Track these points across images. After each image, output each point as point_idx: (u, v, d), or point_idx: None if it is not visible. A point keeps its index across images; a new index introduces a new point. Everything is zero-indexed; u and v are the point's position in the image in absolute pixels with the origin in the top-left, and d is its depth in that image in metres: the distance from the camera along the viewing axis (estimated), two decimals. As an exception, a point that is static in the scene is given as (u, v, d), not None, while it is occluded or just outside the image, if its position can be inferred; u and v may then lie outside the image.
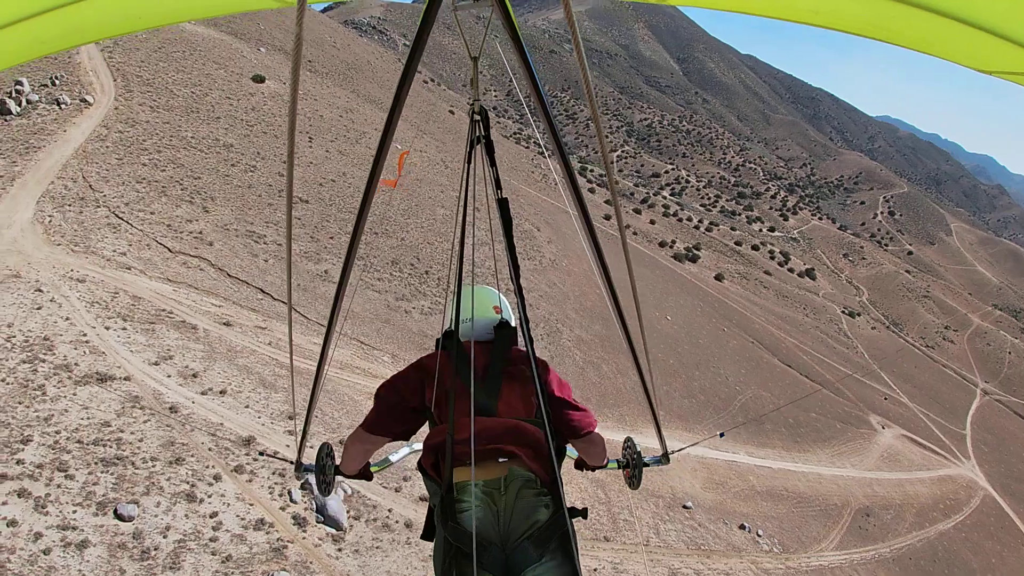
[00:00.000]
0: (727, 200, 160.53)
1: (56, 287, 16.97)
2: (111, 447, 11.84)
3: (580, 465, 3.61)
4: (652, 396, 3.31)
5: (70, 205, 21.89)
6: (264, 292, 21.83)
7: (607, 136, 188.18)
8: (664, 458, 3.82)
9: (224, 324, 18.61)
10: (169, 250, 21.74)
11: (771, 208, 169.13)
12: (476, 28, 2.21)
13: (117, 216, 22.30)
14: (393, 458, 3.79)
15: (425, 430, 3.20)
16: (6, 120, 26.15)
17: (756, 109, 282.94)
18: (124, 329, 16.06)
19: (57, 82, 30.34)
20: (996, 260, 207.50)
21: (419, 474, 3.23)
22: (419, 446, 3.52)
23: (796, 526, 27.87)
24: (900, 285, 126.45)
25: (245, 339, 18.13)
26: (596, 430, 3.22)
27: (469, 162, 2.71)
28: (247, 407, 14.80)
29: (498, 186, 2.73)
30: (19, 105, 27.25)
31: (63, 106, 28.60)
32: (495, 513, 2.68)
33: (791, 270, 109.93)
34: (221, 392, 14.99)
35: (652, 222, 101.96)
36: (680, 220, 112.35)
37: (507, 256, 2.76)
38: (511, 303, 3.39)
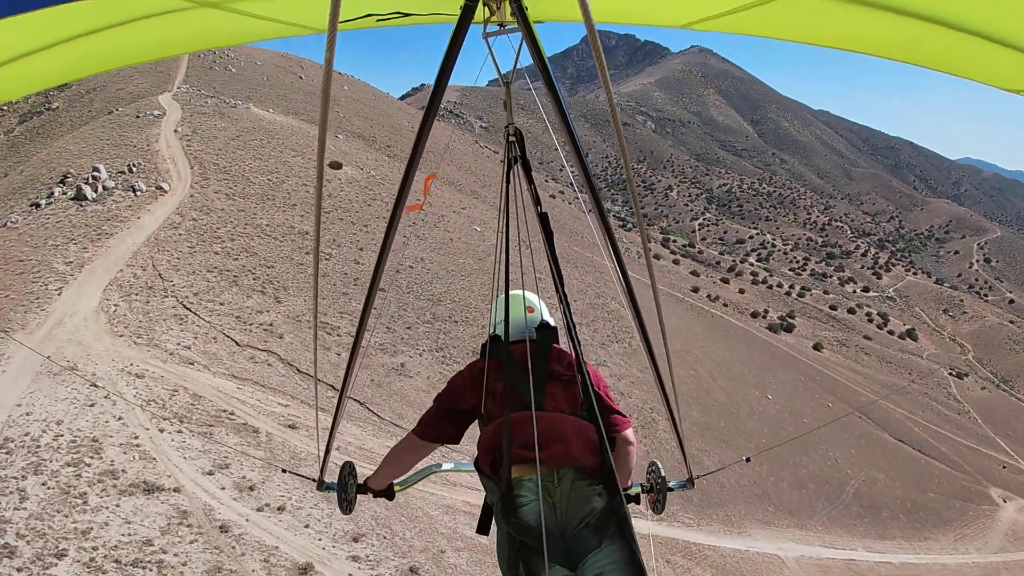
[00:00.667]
0: (816, 262, 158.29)
1: (113, 382, 16.27)
2: (151, 570, 10.73)
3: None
4: (676, 418, 3.30)
5: (137, 294, 21.43)
6: (335, 389, 18.68)
7: (687, 204, 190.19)
8: (689, 482, 3.79)
9: (289, 427, 17.31)
10: (236, 343, 20.97)
11: (863, 267, 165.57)
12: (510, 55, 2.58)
13: (185, 306, 21.78)
14: (415, 477, 3.77)
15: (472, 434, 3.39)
16: (81, 206, 26.58)
17: (835, 165, 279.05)
18: (180, 432, 15.00)
19: (134, 169, 30.79)
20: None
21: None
22: (448, 465, 4.03)
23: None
24: (1006, 338, 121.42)
25: (311, 444, 16.47)
26: (629, 431, 3.36)
27: (508, 182, 2.86)
28: (307, 527, 13.22)
29: (537, 202, 2.95)
30: (95, 191, 27.75)
31: (139, 193, 28.81)
32: (552, 505, 2.77)
33: (891, 332, 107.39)
34: (279, 509, 13.43)
35: (741, 291, 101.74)
36: (770, 287, 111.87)
37: (551, 267, 2.95)
38: (547, 307, 3.69)
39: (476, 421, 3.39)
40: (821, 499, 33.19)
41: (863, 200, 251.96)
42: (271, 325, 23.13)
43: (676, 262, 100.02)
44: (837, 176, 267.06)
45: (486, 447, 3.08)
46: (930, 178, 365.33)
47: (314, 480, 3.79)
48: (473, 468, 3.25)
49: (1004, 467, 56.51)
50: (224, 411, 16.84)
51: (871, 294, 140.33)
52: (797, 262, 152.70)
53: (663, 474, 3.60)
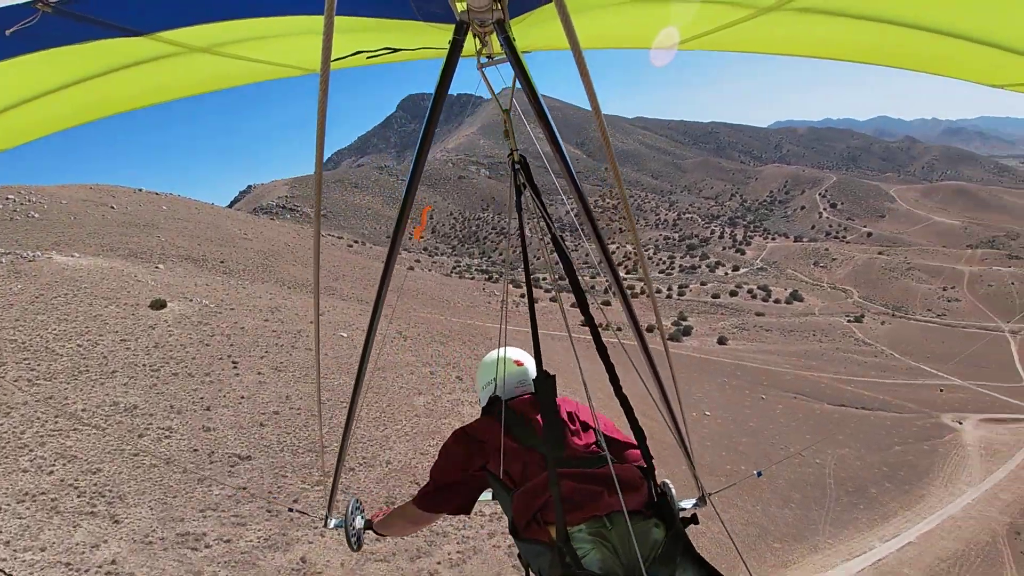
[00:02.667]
0: (681, 257, 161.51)
1: None
2: None
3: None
4: (685, 434, 3.31)
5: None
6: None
7: (541, 239, 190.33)
8: (701, 500, 3.74)
9: None
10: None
11: (724, 248, 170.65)
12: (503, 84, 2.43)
13: (-11, 579, 16.29)
14: None
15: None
16: None
17: (665, 163, 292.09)
18: None
19: None
20: (946, 204, 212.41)
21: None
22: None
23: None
24: (881, 269, 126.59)
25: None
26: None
27: (520, 210, 2.94)
28: None
29: (550, 227, 2.93)
30: None
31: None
32: (612, 549, 2.59)
33: (777, 301, 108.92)
34: None
35: (558, 283, 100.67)
36: (648, 296, 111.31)
37: (573, 291, 2.95)
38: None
39: (489, 489, 3.26)
40: (812, 506, 30.77)
41: (701, 187, 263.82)
42: (114, 563, 16.30)
43: (553, 299, 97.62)
44: (670, 172, 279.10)
45: (526, 509, 2.84)
46: (752, 149, 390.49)
47: (320, 519, 3.91)
48: (490, 499, 3.35)
49: (941, 391, 56.94)
50: None
51: (742, 271, 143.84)
52: (664, 263, 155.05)
53: (673, 494, 3.48)
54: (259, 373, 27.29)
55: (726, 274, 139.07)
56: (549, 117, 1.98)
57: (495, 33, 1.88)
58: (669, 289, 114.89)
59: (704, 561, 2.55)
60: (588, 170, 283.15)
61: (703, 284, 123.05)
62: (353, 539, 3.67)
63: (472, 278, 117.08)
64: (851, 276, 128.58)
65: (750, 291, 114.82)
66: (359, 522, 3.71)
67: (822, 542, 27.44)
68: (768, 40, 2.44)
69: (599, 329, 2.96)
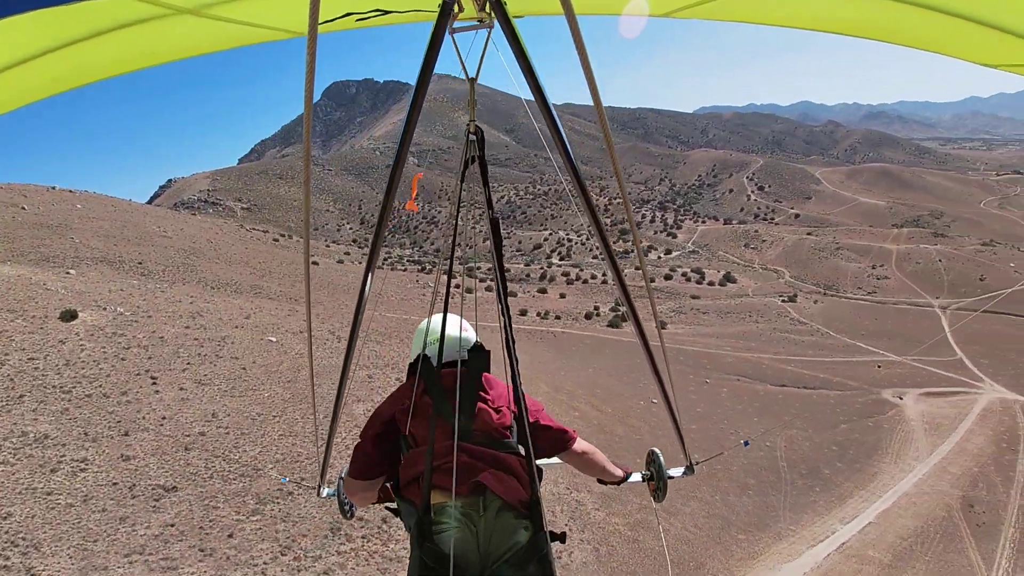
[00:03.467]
0: (614, 242, 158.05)
1: None
2: None
3: (602, 480, 3.65)
4: (673, 406, 3.39)
5: None
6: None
7: (473, 227, 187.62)
8: (689, 469, 3.91)
9: None
10: None
11: (656, 232, 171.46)
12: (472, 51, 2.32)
13: None
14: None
15: None
16: None
17: (594, 148, 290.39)
18: None
19: None
20: (870, 185, 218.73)
21: None
22: None
23: (954, 571, 25.02)
24: (810, 249, 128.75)
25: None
26: (579, 441, 3.39)
27: (463, 181, 2.85)
28: None
29: (490, 206, 2.90)
30: None
31: None
32: (474, 535, 2.64)
33: (711, 283, 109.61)
34: None
35: (563, 296, 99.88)
36: (586, 282, 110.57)
37: (496, 274, 2.98)
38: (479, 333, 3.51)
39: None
40: (770, 491, 30.08)
41: (630, 172, 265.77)
42: None
43: (489, 288, 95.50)
44: (600, 158, 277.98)
45: (407, 471, 2.98)
46: (679, 134, 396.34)
47: (314, 488, 4.67)
48: None
49: (879, 367, 57.35)
50: None
51: (675, 254, 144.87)
52: (597, 249, 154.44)
53: (663, 462, 3.82)
54: (181, 388, 24.12)
55: (659, 258, 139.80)
56: (542, 84, 1.94)
57: None
58: (604, 275, 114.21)
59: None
60: (518, 157, 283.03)
61: (637, 268, 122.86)
62: (346, 507, 3.78)
63: (404, 270, 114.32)
64: (782, 257, 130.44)
65: (684, 274, 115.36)
66: None
67: (784, 529, 26.74)
68: (764, 11, 2.42)
69: (510, 319, 2.93)
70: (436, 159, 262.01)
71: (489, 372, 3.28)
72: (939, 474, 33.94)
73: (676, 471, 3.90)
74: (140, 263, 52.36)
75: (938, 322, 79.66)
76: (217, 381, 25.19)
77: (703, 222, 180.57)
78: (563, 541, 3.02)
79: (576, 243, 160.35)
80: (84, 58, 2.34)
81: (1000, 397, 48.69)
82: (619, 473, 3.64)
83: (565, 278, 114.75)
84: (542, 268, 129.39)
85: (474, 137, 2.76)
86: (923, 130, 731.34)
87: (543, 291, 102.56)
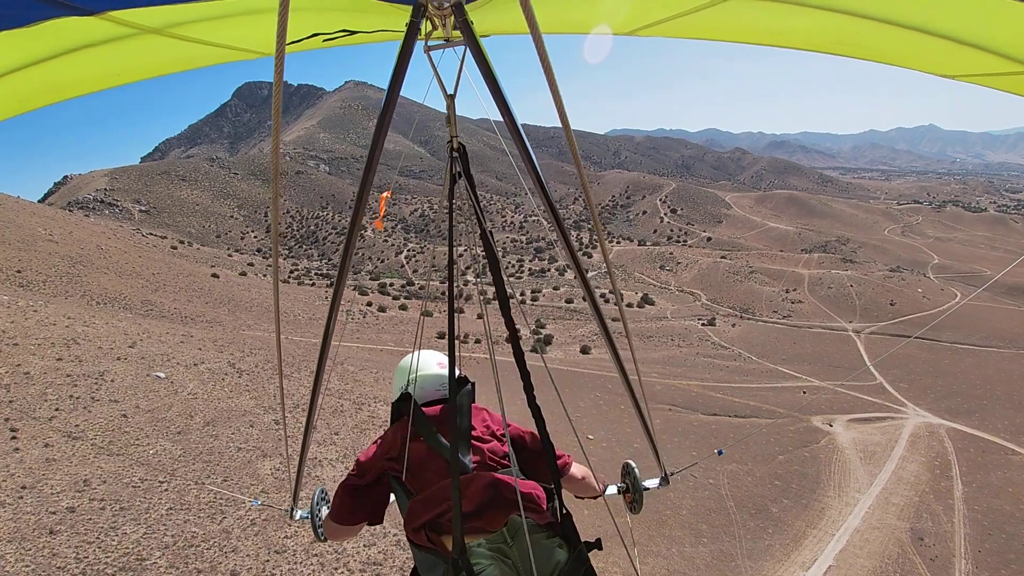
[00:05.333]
0: (530, 261, 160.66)
1: None
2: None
3: (582, 496, 3.73)
4: (647, 418, 3.45)
5: None
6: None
7: (385, 240, 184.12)
8: (664, 480, 3.98)
9: None
10: None
11: (599, 242, 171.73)
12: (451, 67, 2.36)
13: None
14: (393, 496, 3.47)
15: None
16: None
17: (509, 164, 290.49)
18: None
19: None
20: (779, 211, 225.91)
21: None
22: None
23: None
24: (724, 272, 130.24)
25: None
26: (574, 465, 3.55)
27: (451, 199, 2.91)
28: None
29: (481, 220, 2.90)
30: None
31: None
32: (512, 566, 2.55)
33: (630, 304, 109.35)
34: None
35: (480, 316, 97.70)
36: (509, 297, 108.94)
37: (496, 289, 3.04)
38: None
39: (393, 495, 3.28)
40: (723, 537, 28.53)
41: (553, 188, 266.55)
42: None
43: (403, 307, 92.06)
44: (514, 175, 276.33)
45: (418, 518, 2.86)
46: (592, 154, 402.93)
47: (286, 510, 3.94)
48: None
49: (804, 393, 57.80)
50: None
51: (591, 274, 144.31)
52: (513, 266, 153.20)
53: (638, 474, 3.87)
54: (47, 445, 18.57)
55: (575, 277, 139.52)
56: (508, 101, 2.00)
57: (453, 16, 1.88)
58: (523, 294, 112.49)
59: None
60: (432, 168, 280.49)
61: (555, 288, 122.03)
62: (320, 530, 3.63)
63: (312, 284, 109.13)
64: (697, 279, 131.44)
65: (602, 295, 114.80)
66: (324, 512, 3.62)
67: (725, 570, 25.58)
68: (730, 28, 2.47)
69: (518, 337, 2.87)
70: (348, 168, 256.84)
71: (474, 402, 3.29)
72: (883, 506, 33.75)
73: (651, 482, 3.93)
74: (19, 271, 46.34)
75: (854, 346, 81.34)
76: (91, 433, 19.95)
77: (618, 242, 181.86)
78: (600, 548, 2.80)
79: (511, 262, 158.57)
80: (50, 78, 2.34)
81: (925, 422, 49.88)
82: (599, 488, 3.69)
83: (482, 296, 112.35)
84: (458, 286, 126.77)
85: (457, 154, 2.73)
86: (824, 159, 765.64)
87: (460, 311, 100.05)
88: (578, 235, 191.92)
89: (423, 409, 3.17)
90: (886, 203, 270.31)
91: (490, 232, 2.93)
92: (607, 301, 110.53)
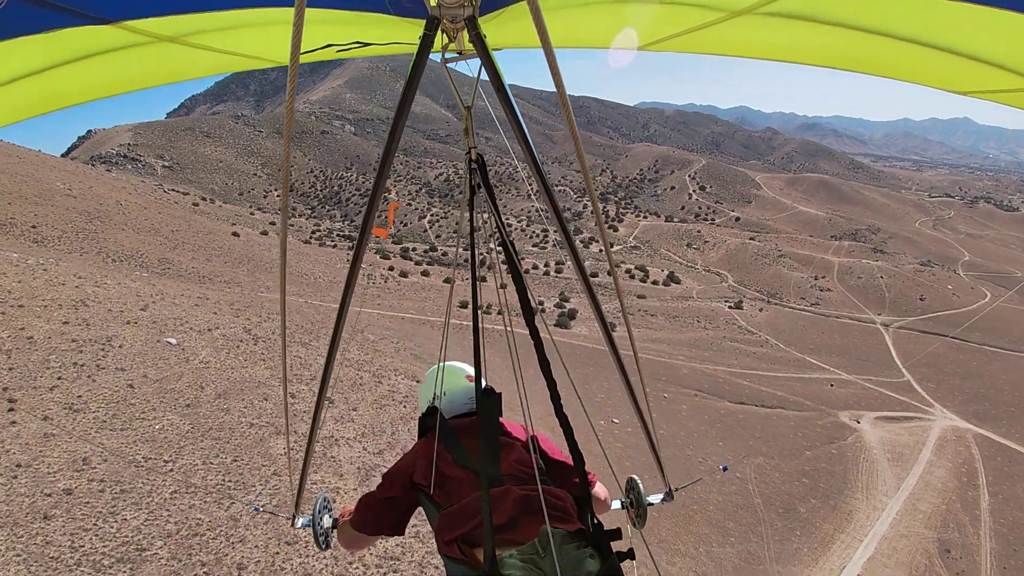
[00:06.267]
0: (555, 232, 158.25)
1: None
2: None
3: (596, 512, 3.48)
4: (652, 433, 3.40)
5: None
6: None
7: (410, 203, 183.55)
8: (668, 495, 3.90)
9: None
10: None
11: (596, 224, 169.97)
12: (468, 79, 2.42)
13: None
14: None
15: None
16: None
17: (536, 132, 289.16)
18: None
19: None
20: (809, 195, 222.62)
21: None
22: None
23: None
24: (753, 255, 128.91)
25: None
26: (598, 485, 3.36)
27: (472, 209, 2.86)
28: None
29: (502, 230, 2.85)
30: None
31: None
32: None
33: (655, 283, 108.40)
34: None
35: (503, 287, 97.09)
36: (527, 272, 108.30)
37: (519, 298, 2.87)
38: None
39: (422, 508, 3.25)
40: (751, 537, 28.26)
41: (571, 160, 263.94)
42: None
43: (425, 273, 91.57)
44: (541, 142, 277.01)
45: (450, 531, 2.83)
46: (621, 126, 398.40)
47: (288, 518, 3.87)
48: None
49: (832, 385, 57.13)
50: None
51: (617, 248, 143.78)
52: (538, 236, 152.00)
53: (642, 489, 3.77)
54: (46, 418, 17.58)
55: (600, 251, 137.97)
56: (519, 113, 2.06)
57: (466, 30, 1.92)
58: (547, 265, 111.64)
59: None
60: (459, 132, 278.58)
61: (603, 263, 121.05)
62: (321, 538, 3.65)
63: (334, 245, 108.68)
64: (724, 260, 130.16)
65: (628, 271, 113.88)
66: (327, 521, 3.67)
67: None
68: (738, 43, 2.51)
69: (543, 344, 2.84)
70: (374, 129, 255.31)
71: (501, 415, 3.28)
72: (911, 513, 33.35)
73: (655, 497, 3.80)
74: (34, 227, 45.43)
75: (882, 339, 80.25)
76: (94, 406, 18.62)
77: (644, 217, 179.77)
78: (633, 558, 2.84)
79: (516, 230, 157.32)
80: (65, 83, 2.36)
81: (952, 425, 49.22)
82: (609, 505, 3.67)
83: (505, 268, 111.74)
84: (481, 255, 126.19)
85: (476, 165, 2.76)
86: (856, 145, 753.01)
87: (482, 279, 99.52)
88: (604, 207, 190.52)
89: (451, 422, 3.22)
90: (917, 194, 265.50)
91: (512, 243, 2.88)
92: (632, 277, 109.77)
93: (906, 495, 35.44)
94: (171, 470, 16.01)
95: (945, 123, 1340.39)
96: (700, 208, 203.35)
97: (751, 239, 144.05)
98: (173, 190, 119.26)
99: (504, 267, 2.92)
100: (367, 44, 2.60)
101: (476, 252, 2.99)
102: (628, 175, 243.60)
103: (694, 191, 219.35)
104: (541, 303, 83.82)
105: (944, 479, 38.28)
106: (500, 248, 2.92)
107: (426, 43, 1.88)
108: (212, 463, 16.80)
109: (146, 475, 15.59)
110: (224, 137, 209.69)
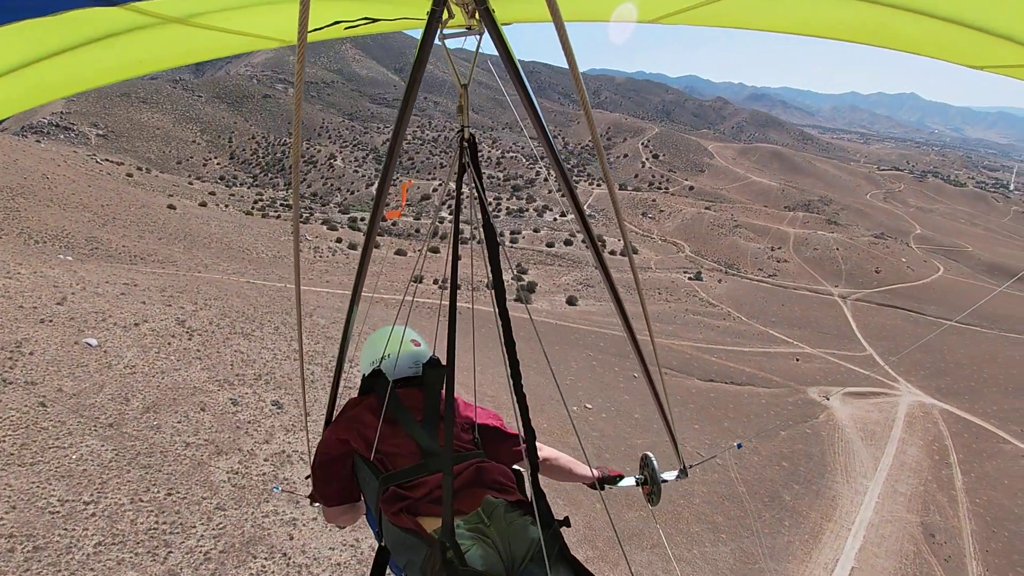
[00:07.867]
0: (507, 199, 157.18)
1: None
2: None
3: (592, 485, 3.68)
4: (667, 411, 3.40)
5: None
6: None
7: (356, 171, 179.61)
8: (682, 472, 3.91)
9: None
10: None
11: (550, 192, 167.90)
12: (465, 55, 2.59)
13: None
14: None
15: None
16: None
17: (485, 98, 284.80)
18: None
19: None
20: (762, 165, 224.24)
21: None
22: None
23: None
24: (709, 224, 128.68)
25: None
26: (542, 447, 3.28)
27: (459, 189, 2.86)
28: None
29: (484, 212, 2.86)
30: None
31: None
32: (492, 544, 2.57)
33: (612, 252, 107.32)
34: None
35: (459, 258, 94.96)
36: (480, 242, 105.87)
37: (492, 280, 2.91)
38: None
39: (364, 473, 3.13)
40: (741, 532, 27.45)
41: (522, 127, 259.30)
42: None
43: (376, 245, 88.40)
44: (491, 108, 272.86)
45: (400, 499, 2.85)
46: (571, 92, 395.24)
47: (307, 496, 3.74)
48: None
49: (797, 360, 57.20)
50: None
51: (572, 216, 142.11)
52: (491, 204, 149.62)
53: (656, 466, 3.81)
54: None
55: (555, 220, 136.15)
56: (530, 91, 2.03)
57: (474, 4, 1.92)
58: (501, 235, 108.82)
59: (579, 564, 2.55)
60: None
61: (536, 231, 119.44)
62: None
63: (277, 216, 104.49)
64: (680, 230, 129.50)
65: (584, 241, 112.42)
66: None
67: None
68: (751, 17, 2.51)
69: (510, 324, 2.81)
70: (318, 93, 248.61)
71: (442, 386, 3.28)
72: (891, 495, 33.42)
73: (670, 475, 3.85)
74: None
75: (841, 312, 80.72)
76: None
77: (598, 185, 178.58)
78: (568, 525, 2.89)
79: (468, 197, 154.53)
80: (72, 68, 2.34)
81: (918, 400, 49.84)
82: (589, 473, 3.63)
83: (462, 240, 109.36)
84: (434, 224, 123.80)
85: (467, 144, 2.72)
86: (804, 117, 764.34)
87: (434, 250, 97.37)
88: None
89: (398, 391, 3.17)
90: (867, 167, 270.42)
91: (491, 225, 2.79)
92: (604, 247, 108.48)
93: (884, 476, 35.40)
94: (93, 514, 13.24)
95: (892, 98, 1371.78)
96: (653, 176, 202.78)
97: (706, 208, 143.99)
98: (106, 160, 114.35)
99: (480, 244, 2.80)
100: (375, 20, 2.54)
101: (459, 230, 2.80)
102: (580, 141, 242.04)
103: (647, 159, 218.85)
104: (519, 277, 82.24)
105: (918, 458, 38.41)
106: (482, 228, 2.80)
107: (434, 18, 1.87)
108: (142, 500, 14.10)
109: (63, 524, 12.73)
110: (162, 103, 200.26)
